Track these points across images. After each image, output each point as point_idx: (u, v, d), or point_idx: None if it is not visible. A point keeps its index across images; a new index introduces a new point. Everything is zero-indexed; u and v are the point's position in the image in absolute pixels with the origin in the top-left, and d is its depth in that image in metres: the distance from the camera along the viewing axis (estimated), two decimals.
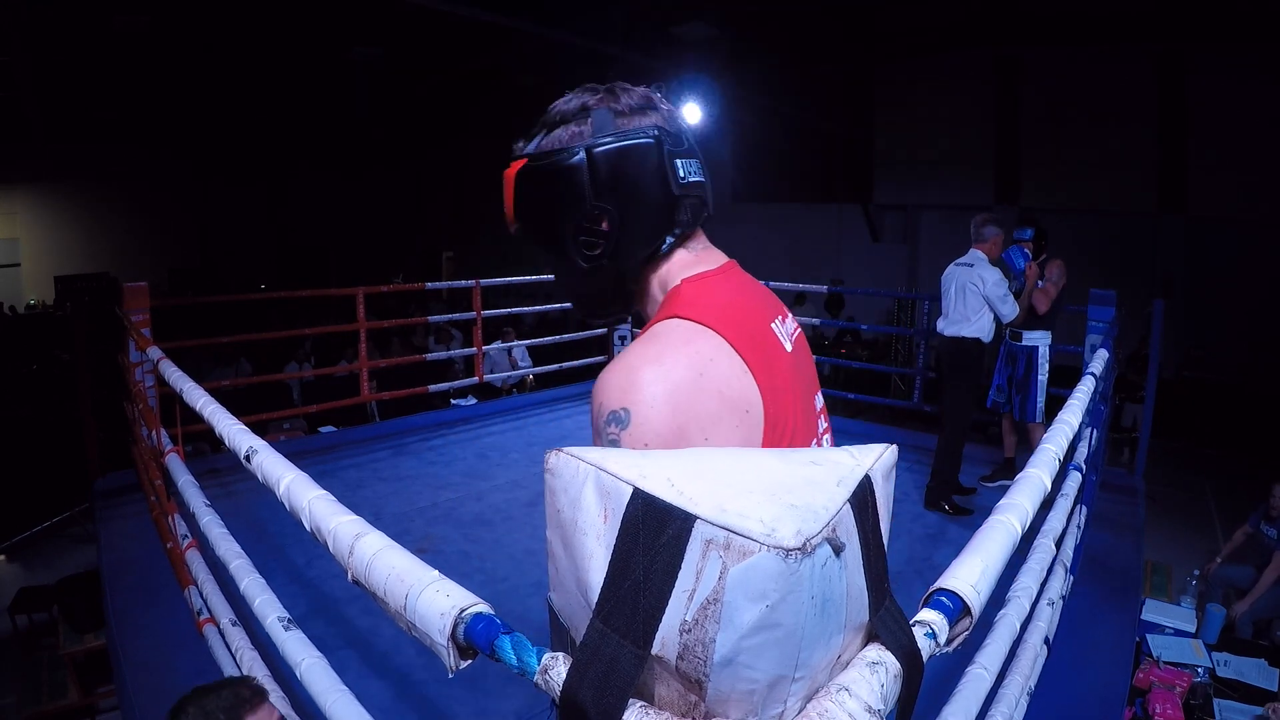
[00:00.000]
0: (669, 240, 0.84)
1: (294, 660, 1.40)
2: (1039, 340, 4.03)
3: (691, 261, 0.86)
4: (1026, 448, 4.08)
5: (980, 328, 3.73)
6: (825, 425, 0.90)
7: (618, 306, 0.89)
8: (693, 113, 7.16)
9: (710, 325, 0.75)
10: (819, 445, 0.86)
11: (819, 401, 0.89)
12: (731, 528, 0.44)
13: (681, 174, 0.84)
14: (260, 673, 1.70)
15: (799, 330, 0.90)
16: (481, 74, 10.63)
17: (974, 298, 3.71)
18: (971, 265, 3.76)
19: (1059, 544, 2.03)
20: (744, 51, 8.93)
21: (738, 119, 9.56)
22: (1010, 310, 3.71)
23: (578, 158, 0.81)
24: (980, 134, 9.58)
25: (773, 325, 0.83)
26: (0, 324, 10.88)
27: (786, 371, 0.80)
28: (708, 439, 0.70)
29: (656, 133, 0.82)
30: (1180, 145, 8.25)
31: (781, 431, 0.76)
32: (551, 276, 0.94)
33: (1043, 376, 4.01)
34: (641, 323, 0.87)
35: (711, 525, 0.44)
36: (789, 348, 0.83)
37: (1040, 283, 4.01)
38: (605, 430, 0.71)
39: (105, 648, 3.40)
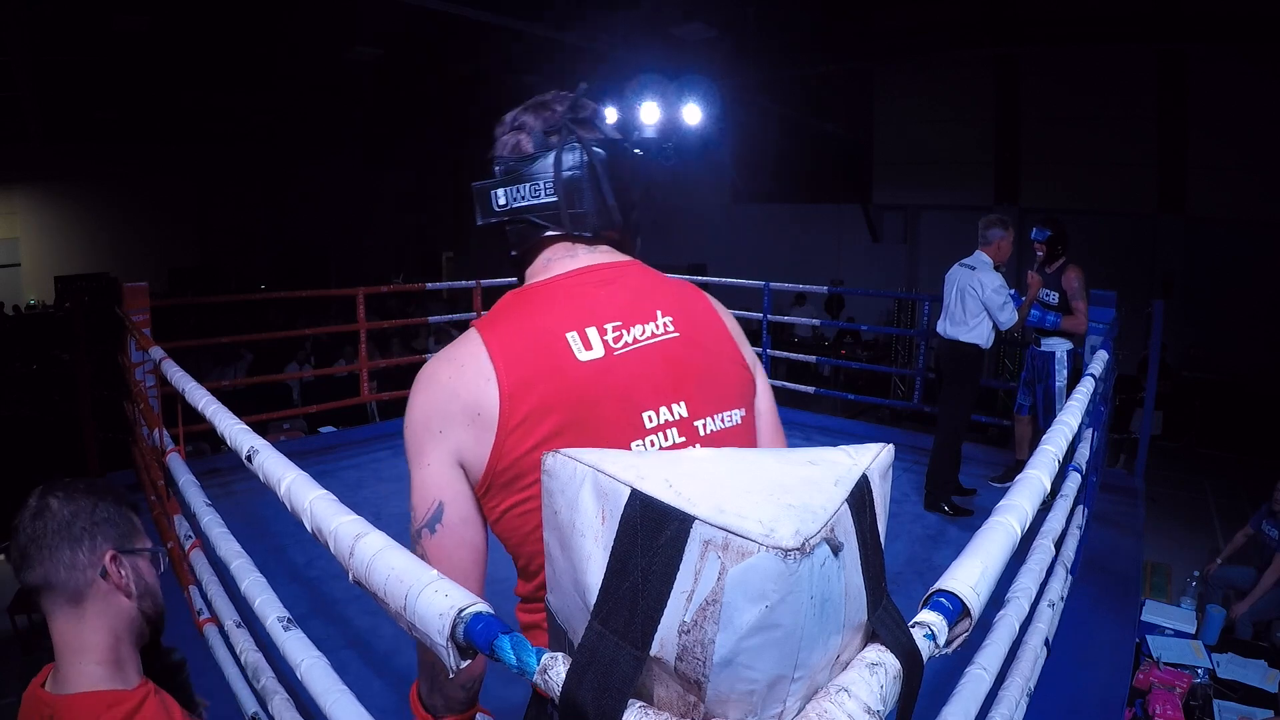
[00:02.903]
0: (550, 232, 0.89)
1: (295, 660, 1.40)
2: (1056, 345, 3.93)
3: (555, 264, 0.90)
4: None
5: (979, 334, 3.66)
6: (675, 420, 0.83)
7: None
8: (693, 113, 7.14)
9: (484, 334, 0.83)
10: (653, 443, 0.81)
11: (678, 408, 0.83)
12: (730, 528, 0.44)
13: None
14: (262, 673, 1.70)
15: (665, 335, 0.85)
16: (481, 74, 10.62)
17: (973, 302, 3.64)
18: (974, 268, 3.67)
19: (1059, 545, 2.02)
20: (744, 51, 8.92)
21: (738, 119, 9.55)
22: (1008, 318, 3.62)
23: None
24: (980, 134, 9.58)
25: (586, 331, 0.81)
26: (0, 324, 10.88)
27: (585, 376, 0.80)
28: (441, 432, 0.81)
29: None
30: (1180, 145, 8.24)
31: (530, 430, 0.78)
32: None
33: (1060, 383, 3.90)
34: None
35: (710, 526, 0.44)
36: (609, 353, 0.81)
37: (1049, 299, 3.88)
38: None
39: None
